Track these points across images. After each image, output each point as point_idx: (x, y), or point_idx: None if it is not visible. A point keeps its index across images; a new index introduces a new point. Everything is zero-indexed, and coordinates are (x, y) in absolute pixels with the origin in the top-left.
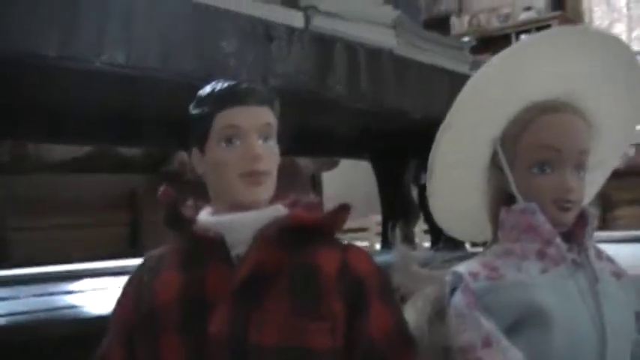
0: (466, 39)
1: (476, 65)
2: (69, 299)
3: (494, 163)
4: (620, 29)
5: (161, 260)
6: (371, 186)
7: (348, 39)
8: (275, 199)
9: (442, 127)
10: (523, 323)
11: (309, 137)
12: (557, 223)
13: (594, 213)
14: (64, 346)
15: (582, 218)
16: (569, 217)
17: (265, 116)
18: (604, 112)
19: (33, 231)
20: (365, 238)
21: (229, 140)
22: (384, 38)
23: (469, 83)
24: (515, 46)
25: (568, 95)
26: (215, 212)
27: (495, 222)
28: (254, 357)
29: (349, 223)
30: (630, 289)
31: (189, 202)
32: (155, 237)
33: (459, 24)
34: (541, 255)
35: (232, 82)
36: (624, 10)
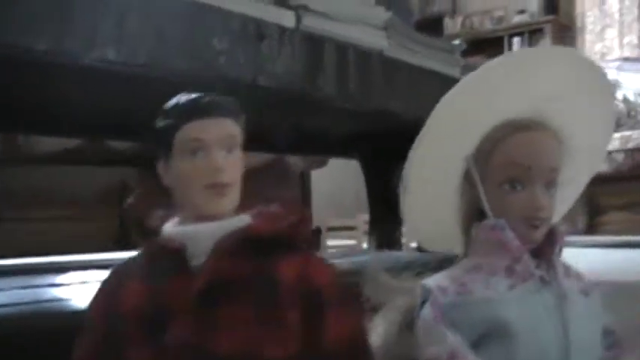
0: (457, 42)
1: (467, 68)
2: (54, 292)
3: (467, 178)
4: (612, 34)
5: (128, 269)
6: (360, 185)
7: (338, 39)
8: (242, 208)
9: (416, 142)
10: (488, 338)
11: (298, 136)
12: (526, 240)
13: (563, 230)
14: (49, 339)
15: (551, 235)
16: (539, 235)
17: (229, 128)
18: (575, 131)
19: (21, 223)
20: (352, 236)
21: (193, 152)
22: (375, 39)
23: (443, 100)
24: (487, 65)
25: (539, 113)
26: (182, 222)
27: (467, 236)
28: None
29: (337, 222)
30: (598, 305)
31: (159, 213)
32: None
33: (452, 25)
34: (509, 271)
35: (196, 95)
36: (616, 16)
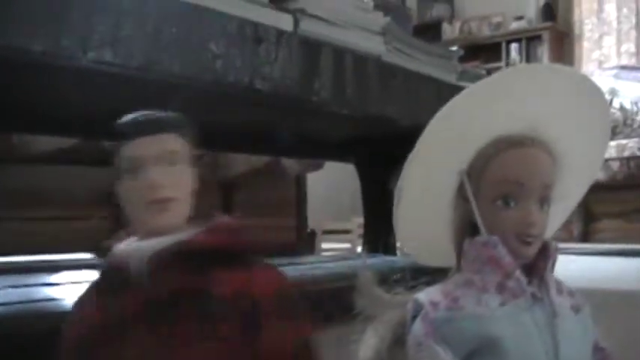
0: (454, 48)
1: (464, 74)
2: (47, 291)
3: (461, 193)
4: (609, 42)
5: (91, 288)
6: (355, 188)
7: (336, 44)
8: (195, 222)
9: (410, 156)
10: (479, 355)
11: (294, 139)
12: (518, 256)
13: (556, 246)
14: (41, 339)
15: (544, 251)
16: (531, 251)
17: (168, 143)
18: (569, 147)
19: (15, 222)
20: (347, 240)
21: (134, 171)
22: (373, 45)
23: (437, 115)
24: (482, 82)
25: (533, 130)
26: (136, 240)
27: (459, 251)
28: None
29: (332, 225)
30: (588, 322)
31: (122, 231)
32: None
33: (450, 31)
34: (501, 288)
35: (138, 114)
36: (614, 24)
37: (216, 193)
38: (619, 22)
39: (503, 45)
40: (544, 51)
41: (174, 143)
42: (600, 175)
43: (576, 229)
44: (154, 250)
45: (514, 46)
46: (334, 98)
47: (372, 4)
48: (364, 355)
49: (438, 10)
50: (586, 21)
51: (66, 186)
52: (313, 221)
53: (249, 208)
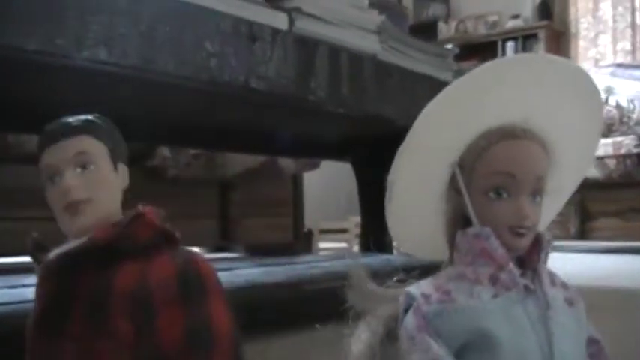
0: (450, 46)
1: (460, 73)
2: None
3: (453, 185)
4: (605, 41)
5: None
6: (352, 187)
7: (331, 43)
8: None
9: (401, 149)
10: (470, 347)
11: (290, 138)
12: (511, 248)
13: (549, 238)
14: None
15: (537, 243)
16: (523, 243)
17: (78, 146)
18: (562, 139)
19: (11, 222)
20: (344, 239)
21: (51, 180)
22: (368, 43)
23: (427, 106)
24: (472, 72)
25: (525, 121)
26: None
27: (452, 244)
28: None
29: (329, 224)
30: (582, 314)
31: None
32: None
33: (446, 30)
34: (493, 280)
35: (52, 122)
36: (610, 23)
37: (213, 192)
38: (614, 21)
39: (500, 44)
40: (540, 49)
41: (86, 144)
42: (596, 173)
43: (573, 227)
44: (56, 254)
45: (510, 44)
46: (330, 97)
47: (367, 2)
48: (356, 349)
49: (433, 9)
50: (582, 19)
51: None
52: (310, 221)
53: (246, 207)
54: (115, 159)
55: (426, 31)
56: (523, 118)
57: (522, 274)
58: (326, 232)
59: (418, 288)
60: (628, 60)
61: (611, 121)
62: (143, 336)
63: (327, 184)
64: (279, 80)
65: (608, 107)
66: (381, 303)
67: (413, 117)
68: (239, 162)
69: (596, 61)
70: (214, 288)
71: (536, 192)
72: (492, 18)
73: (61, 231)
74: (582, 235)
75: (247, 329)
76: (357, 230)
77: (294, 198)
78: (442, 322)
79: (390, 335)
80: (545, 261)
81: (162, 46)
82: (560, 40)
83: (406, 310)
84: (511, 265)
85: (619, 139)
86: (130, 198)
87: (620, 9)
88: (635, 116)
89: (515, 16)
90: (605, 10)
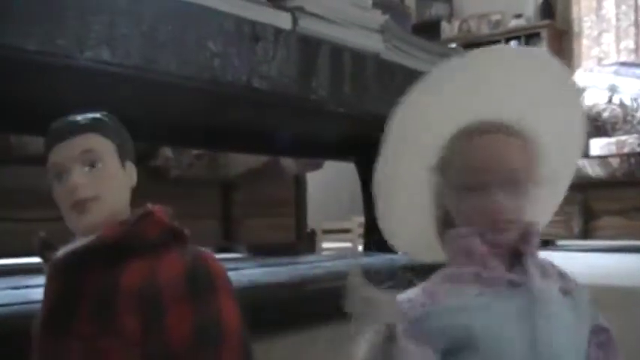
0: (453, 45)
1: None
2: None
3: (435, 186)
4: (608, 39)
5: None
6: (355, 187)
7: (334, 42)
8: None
9: (380, 154)
10: (457, 348)
11: (293, 138)
12: (494, 244)
13: (537, 230)
14: None
15: (525, 236)
16: (507, 237)
17: (84, 144)
18: (542, 127)
19: (13, 223)
20: (348, 239)
21: (58, 178)
22: (371, 42)
23: (397, 111)
24: (430, 75)
25: (498, 115)
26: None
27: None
28: None
29: (332, 225)
30: (583, 303)
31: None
32: None
33: (449, 29)
34: (477, 278)
35: (58, 120)
36: (613, 21)
37: (216, 193)
38: (618, 19)
39: (503, 43)
40: (543, 48)
41: (93, 141)
42: (600, 172)
43: (576, 226)
44: (64, 252)
45: (513, 44)
46: (332, 96)
47: (370, 2)
48: (361, 350)
49: (436, 9)
50: (585, 18)
51: None
52: (313, 221)
53: (248, 207)
54: (122, 156)
55: (428, 30)
56: (496, 112)
57: (511, 269)
58: (329, 232)
59: (406, 294)
60: (632, 58)
61: (615, 120)
62: (151, 333)
63: (330, 184)
64: (281, 80)
65: (612, 106)
66: (381, 307)
67: None
68: (241, 162)
69: (600, 59)
70: (223, 285)
71: (514, 184)
72: (495, 17)
73: (64, 232)
74: (586, 234)
75: (251, 329)
76: (361, 230)
77: (297, 198)
78: (428, 325)
79: (392, 337)
80: (533, 253)
81: (164, 46)
82: (563, 39)
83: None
84: (494, 261)
85: (623, 137)
86: (132, 198)
87: (623, 7)
88: (638, 115)
89: (518, 16)
90: (609, 8)
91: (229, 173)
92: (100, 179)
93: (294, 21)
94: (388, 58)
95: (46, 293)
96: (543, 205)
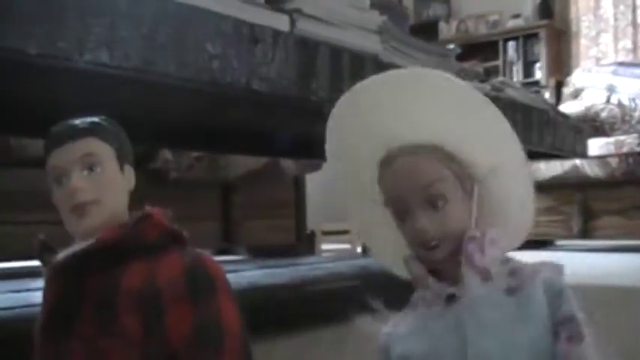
0: (451, 46)
1: (462, 73)
2: None
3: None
4: (606, 39)
5: None
6: None
7: (332, 43)
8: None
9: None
10: None
11: (292, 140)
12: (428, 263)
13: (470, 236)
14: None
15: (461, 246)
16: (439, 255)
17: (84, 148)
18: (462, 140)
19: (14, 226)
20: (347, 240)
21: (58, 181)
22: (370, 44)
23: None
24: (338, 104)
25: (413, 134)
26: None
27: None
28: None
29: (332, 226)
30: (534, 299)
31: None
32: None
33: (447, 29)
34: (423, 300)
35: (56, 126)
36: (611, 21)
37: (215, 194)
38: (616, 19)
39: (501, 43)
40: (541, 49)
41: (93, 145)
42: (599, 172)
43: (575, 225)
44: (63, 255)
45: (511, 44)
46: (332, 98)
47: (368, 3)
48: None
49: (434, 9)
50: (583, 18)
51: None
52: (312, 222)
53: (248, 209)
54: (121, 160)
55: (426, 31)
56: (401, 136)
57: (453, 283)
58: (329, 233)
59: (386, 324)
60: (629, 58)
61: (614, 120)
62: (152, 334)
63: (330, 186)
64: (280, 81)
65: (610, 106)
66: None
67: None
68: (241, 164)
69: (598, 59)
70: (222, 286)
71: (431, 200)
72: (493, 17)
73: (64, 235)
74: (585, 233)
75: (251, 330)
76: None
77: (297, 199)
78: (392, 353)
79: None
80: (469, 261)
81: (163, 48)
82: (561, 39)
83: None
84: (430, 280)
85: (621, 137)
86: (132, 201)
87: (621, 7)
88: (637, 114)
89: (516, 16)
90: (607, 8)
91: (229, 175)
92: (99, 183)
93: (292, 23)
94: (386, 59)
95: (45, 296)
96: (510, 192)
